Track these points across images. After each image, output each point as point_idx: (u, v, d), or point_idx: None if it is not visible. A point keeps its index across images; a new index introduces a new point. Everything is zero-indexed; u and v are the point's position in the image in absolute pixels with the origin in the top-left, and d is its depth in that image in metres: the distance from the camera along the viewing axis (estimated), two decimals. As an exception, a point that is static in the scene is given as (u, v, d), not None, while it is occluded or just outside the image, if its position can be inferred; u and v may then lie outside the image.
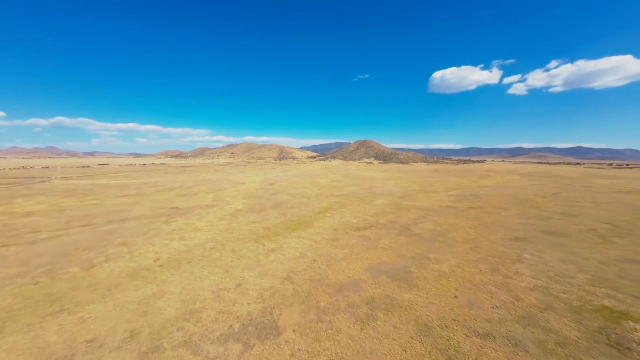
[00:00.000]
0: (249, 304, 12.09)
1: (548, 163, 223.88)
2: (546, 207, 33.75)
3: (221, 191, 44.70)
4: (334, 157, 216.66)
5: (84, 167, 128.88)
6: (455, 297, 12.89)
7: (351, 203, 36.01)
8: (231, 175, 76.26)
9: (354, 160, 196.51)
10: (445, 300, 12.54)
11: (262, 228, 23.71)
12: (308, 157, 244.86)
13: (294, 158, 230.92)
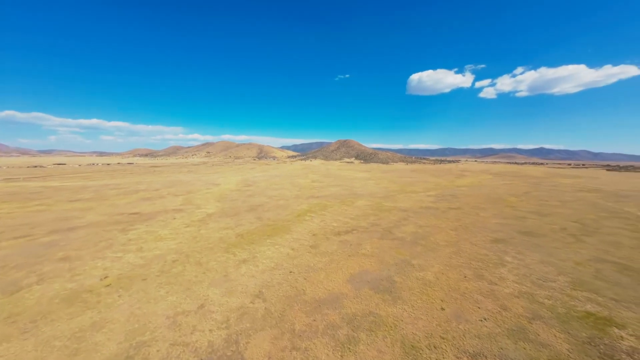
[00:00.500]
0: (211, 330, 10.30)
1: (516, 163, 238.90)
2: (520, 206, 34.74)
3: (192, 193, 41.58)
4: (315, 157, 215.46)
5: (35, 167, 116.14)
6: (442, 309, 11.97)
7: (332, 205, 34.81)
8: (205, 176, 72.23)
9: (335, 160, 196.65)
10: (432, 314, 11.56)
11: (234, 235, 21.70)
12: (289, 157, 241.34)
13: (274, 158, 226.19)
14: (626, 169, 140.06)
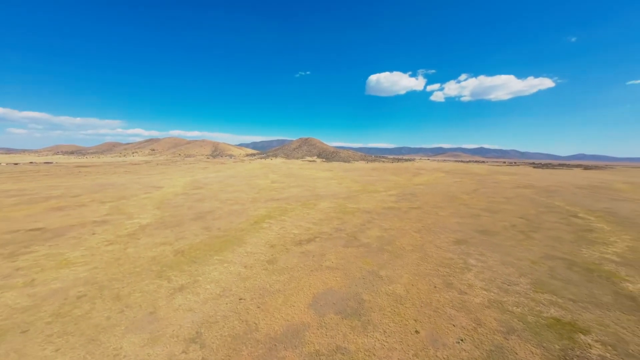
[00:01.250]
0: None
1: (462, 161, 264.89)
2: (472, 204, 36.63)
3: (125, 200, 35.26)
4: (275, 155, 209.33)
5: None
6: (417, 332, 10.55)
7: (293, 208, 32.37)
8: (146, 177, 63.48)
9: (297, 158, 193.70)
10: (406, 341, 10.03)
11: (172, 252, 17.95)
12: (247, 155, 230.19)
13: (230, 156, 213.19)
14: (546, 166, 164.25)
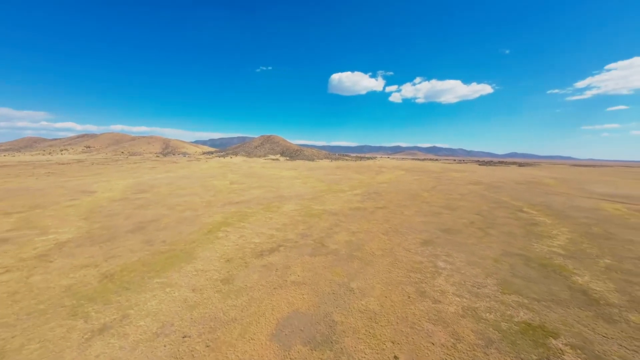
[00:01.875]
0: None
1: (418, 159, 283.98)
2: (433, 201, 37.98)
3: (41, 209, 28.84)
4: (235, 153, 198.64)
5: None
6: (396, 357, 9.34)
7: (254, 213, 29.69)
8: (75, 180, 54.05)
9: (259, 156, 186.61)
10: (385, 372, 8.73)
11: (98, 277, 14.34)
12: (204, 153, 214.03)
13: (184, 154, 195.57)
14: (489, 163, 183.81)
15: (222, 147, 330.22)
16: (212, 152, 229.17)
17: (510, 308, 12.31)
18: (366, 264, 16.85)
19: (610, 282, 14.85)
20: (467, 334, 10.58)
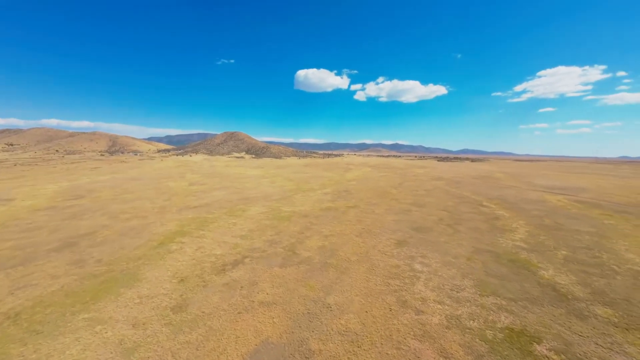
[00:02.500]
0: None
1: (382, 156, 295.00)
2: (401, 198, 38.41)
3: None
4: (196, 151, 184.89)
5: None
6: (384, 391, 8.05)
7: (216, 218, 26.69)
8: (-3, 185, 44.63)
9: (222, 154, 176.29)
10: (374, 414, 7.36)
11: (-5, 321, 10.81)
12: (159, 151, 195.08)
13: (135, 152, 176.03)
14: (446, 159, 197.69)
15: (180, 145, 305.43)
16: (168, 150, 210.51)
17: (492, 312, 11.91)
18: (342, 272, 15.52)
19: (572, 274, 15.53)
20: (455, 349, 9.75)
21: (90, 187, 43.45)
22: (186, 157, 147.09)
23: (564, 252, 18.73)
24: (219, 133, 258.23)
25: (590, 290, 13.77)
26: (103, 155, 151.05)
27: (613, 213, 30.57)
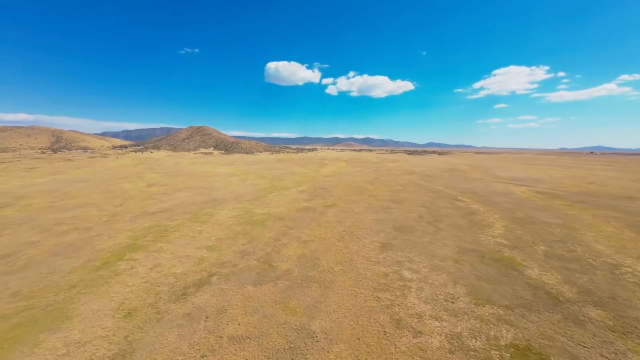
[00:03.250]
0: None
1: (355, 150, 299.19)
2: (379, 194, 37.66)
3: None
4: (158, 147, 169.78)
5: None
6: None
7: (178, 226, 23.29)
8: None
9: (188, 150, 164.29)
10: None
11: None
12: (114, 148, 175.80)
13: (85, 149, 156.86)
14: (414, 152, 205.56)
15: (140, 141, 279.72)
16: (126, 147, 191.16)
17: (492, 326, 10.93)
18: (326, 287, 13.71)
19: (556, 272, 15.39)
20: (463, 380, 8.46)
21: (21, 193, 36.42)
22: (146, 154, 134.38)
23: (542, 248, 18.86)
24: (184, 127, 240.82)
25: (577, 290, 13.56)
26: (44, 152, 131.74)
27: (572, 203, 32.68)
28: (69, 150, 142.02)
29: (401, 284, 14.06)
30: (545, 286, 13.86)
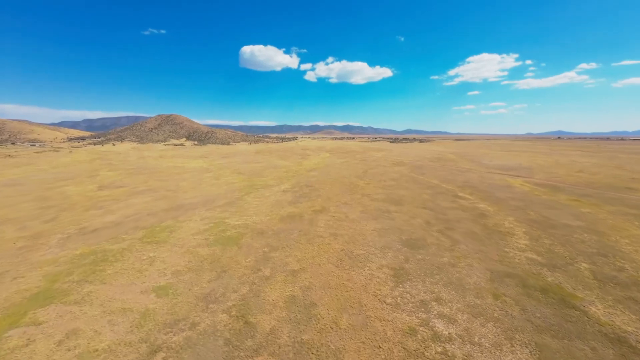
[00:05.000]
0: None
1: (336, 138, 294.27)
2: (372, 192, 33.36)
3: None
4: (122, 139, 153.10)
5: None
6: None
7: (121, 253, 17.38)
8: None
9: (157, 142, 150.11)
10: None
11: None
12: (70, 140, 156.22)
13: (33, 142, 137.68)
14: (396, 140, 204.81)
15: (104, 131, 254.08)
16: (83, 138, 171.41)
17: None
18: (333, 354, 9.09)
19: (623, 307, 11.90)
20: None
21: None
22: (107, 147, 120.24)
23: (585, 266, 15.49)
24: (153, 116, 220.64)
25: (669, 340, 10.06)
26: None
27: (578, 197, 30.47)
28: (13, 143, 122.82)
29: (439, 348, 9.76)
30: (628, 338, 10.21)
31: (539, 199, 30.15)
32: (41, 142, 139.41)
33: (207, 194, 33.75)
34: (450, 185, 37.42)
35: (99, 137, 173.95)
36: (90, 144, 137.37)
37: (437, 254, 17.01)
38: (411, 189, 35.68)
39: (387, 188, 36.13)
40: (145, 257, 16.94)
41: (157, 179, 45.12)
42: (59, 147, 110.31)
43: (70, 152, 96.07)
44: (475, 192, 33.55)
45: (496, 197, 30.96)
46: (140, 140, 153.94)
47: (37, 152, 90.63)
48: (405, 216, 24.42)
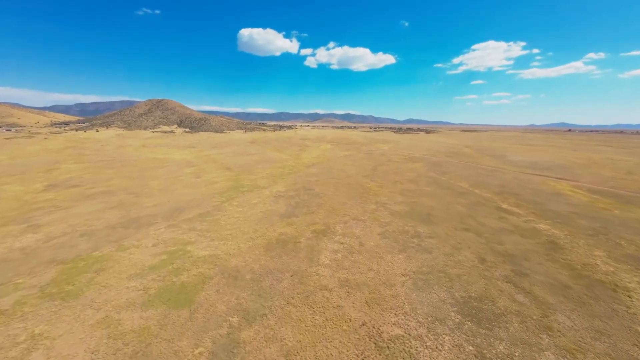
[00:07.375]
0: None
1: (336, 127, 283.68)
2: (388, 200, 25.84)
3: None
4: (107, 124, 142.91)
5: None
6: None
7: (9, 316, 9.99)
8: None
9: (145, 128, 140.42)
10: None
11: None
12: (53, 125, 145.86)
13: (10, 127, 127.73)
14: (400, 130, 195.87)
15: (94, 116, 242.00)
16: (67, 123, 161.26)
17: None
18: None
19: None
20: None
21: None
22: (89, 134, 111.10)
23: None
24: (143, 101, 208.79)
25: None
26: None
27: (660, 214, 23.19)
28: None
29: None
30: None
31: (612, 215, 22.85)
32: (20, 126, 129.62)
33: (178, 200, 26.23)
34: (486, 192, 29.96)
35: (84, 123, 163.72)
36: (72, 129, 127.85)
37: (529, 342, 9.74)
38: (438, 196, 28.23)
39: (406, 194, 28.65)
40: (20, 339, 9.64)
41: (125, 175, 37.42)
42: (35, 133, 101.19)
43: (46, 138, 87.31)
44: (522, 202, 26.16)
45: (553, 211, 23.60)
46: (128, 126, 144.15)
47: (7, 139, 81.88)
48: (446, 246, 17.09)
